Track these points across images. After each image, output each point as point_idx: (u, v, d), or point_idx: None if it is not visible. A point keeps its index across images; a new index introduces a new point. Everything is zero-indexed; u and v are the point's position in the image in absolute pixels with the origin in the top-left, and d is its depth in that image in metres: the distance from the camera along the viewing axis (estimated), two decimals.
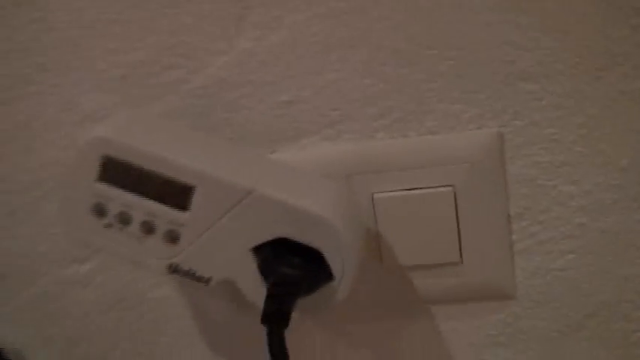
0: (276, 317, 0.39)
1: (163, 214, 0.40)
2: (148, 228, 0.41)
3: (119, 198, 0.40)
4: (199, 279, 0.42)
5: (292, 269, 0.40)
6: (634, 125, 0.46)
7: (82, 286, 0.54)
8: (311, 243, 0.40)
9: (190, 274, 0.41)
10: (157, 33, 0.48)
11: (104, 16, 0.48)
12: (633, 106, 0.46)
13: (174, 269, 0.41)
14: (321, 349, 0.53)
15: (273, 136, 0.49)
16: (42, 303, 0.55)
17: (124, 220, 0.41)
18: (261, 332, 0.39)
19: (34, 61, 0.50)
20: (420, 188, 0.48)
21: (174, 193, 0.40)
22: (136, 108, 0.49)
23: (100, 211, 0.41)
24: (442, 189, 0.47)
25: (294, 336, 0.51)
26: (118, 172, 0.40)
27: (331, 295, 0.41)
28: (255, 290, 0.41)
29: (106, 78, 0.49)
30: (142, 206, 0.40)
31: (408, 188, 0.48)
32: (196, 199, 0.40)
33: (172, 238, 0.41)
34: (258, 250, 0.41)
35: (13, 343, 0.55)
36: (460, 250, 0.48)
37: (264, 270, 0.40)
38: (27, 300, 0.55)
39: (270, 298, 0.39)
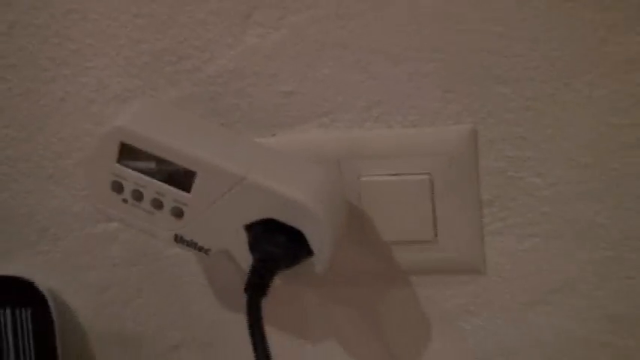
0: (255, 288, 0.46)
1: (170, 193, 0.48)
2: (157, 204, 0.48)
3: (133, 178, 0.48)
4: (200, 249, 0.49)
5: (275, 248, 0.47)
6: (597, 128, 0.51)
7: (109, 242, 0.62)
8: (294, 224, 0.47)
9: (193, 245, 0.49)
10: (175, 26, 0.55)
11: (130, 9, 0.55)
12: (597, 111, 0.50)
13: (179, 239, 0.49)
14: (313, 308, 0.60)
15: (274, 122, 0.55)
16: (76, 254, 0.63)
17: (137, 196, 0.48)
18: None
19: (69, 46, 0.57)
20: (402, 174, 0.54)
21: (179, 177, 0.47)
22: (156, 92, 0.56)
23: (117, 188, 0.48)
24: (421, 176, 0.53)
25: (289, 296, 0.59)
26: (132, 157, 0.47)
27: (312, 268, 0.48)
28: (246, 262, 0.48)
29: (131, 64, 0.56)
30: (152, 186, 0.48)
31: (391, 174, 0.54)
32: (197, 183, 0.47)
33: (177, 213, 0.48)
34: (250, 227, 0.48)
35: (51, 286, 0.64)
36: (435, 229, 0.55)
37: (253, 246, 0.48)
38: (63, 250, 0.63)
39: (252, 271, 0.46)
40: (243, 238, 0.48)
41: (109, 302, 0.64)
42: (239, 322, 0.62)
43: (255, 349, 0.44)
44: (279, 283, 0.57)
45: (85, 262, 0.63)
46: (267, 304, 0.54)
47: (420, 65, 0.52)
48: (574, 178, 0.52)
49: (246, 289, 0.46)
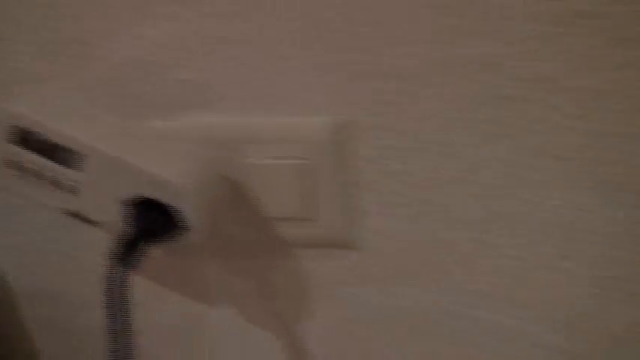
0: (117, 261, 0.51)
1: (64, 173, 0.54)
2: (54, 182, 0.54)
3: (30, 158, 0.54)
4: (90, 221, 0.55)
5: (146, 223, 0.52)
6: (451, 122, 0.56)
7: (35, 209, 0.68)
8: (168, 202, 0.53)
9: (83, 217, 0.55)
10: (84, 18, 0.60)
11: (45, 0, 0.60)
12: (450, 106, 0.55)
13: (72, 213, 0.55)
14: (213, 277, 0.66)
15: (171, 107, 0.61)
16: (4, 217, 0.70)
17: (36, 175, 0.54)
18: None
19: None
20: (284, 158, 0.59)
21: (71, 158, 0.53)
22: (66, 77, 0.62)
23: (16, 166, 0.54)
24: (301, 161, 0.59)
25: (192, 267, 0.66)
26: (28, 139, 0.53)
27: (187, 240, 0.55)
28: None
29: (44, 50, 0.62)
30: (47, 166, 0.54)
31: (275, 157, 0.60)
32: (87, 164, 0.53)
33: (73, 190, 0.54)
34: (131, 204, 0.54)
35: None
36: (315, 209, 0.60)
37: (128, 221, 0.53)
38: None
39: (116, 244, 0.52)
40: (123, 213, 0.54)
41: (32, 264, 0.71)
42: (147, 285, 0.68)
43: (109, 320, 0.50)
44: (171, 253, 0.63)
45: (12, 226, 0.70)
46: (172, 274, 0.61)
47: (304, 61, 0.57)
48: (435, 165, 0.58)
49: (108, 261, 0.51)
